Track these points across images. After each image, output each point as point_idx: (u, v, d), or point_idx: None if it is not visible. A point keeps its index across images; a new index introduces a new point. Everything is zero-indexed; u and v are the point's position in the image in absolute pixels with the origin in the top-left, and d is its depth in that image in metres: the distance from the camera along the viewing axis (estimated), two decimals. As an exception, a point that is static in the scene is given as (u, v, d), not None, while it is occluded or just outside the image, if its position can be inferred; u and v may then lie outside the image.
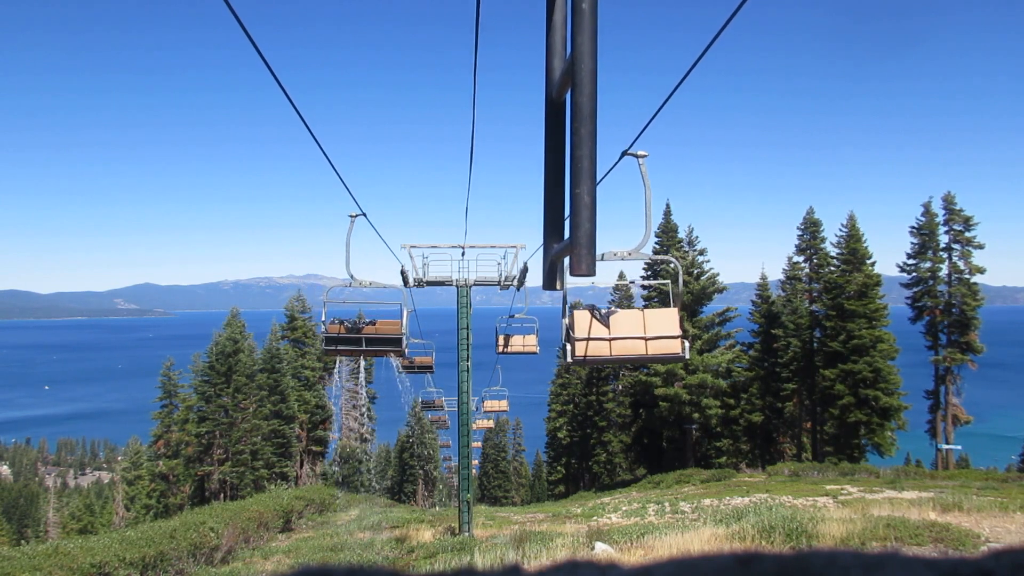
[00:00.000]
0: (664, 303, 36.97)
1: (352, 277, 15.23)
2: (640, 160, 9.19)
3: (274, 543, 18.13)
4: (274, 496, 23.11)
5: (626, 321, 10.99)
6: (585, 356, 10.76)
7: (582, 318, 10.81)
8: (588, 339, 10.69)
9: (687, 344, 11.06)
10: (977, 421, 42.49)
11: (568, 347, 10.69)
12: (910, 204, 56.00)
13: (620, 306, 38.03)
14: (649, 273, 43.42)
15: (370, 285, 15.68)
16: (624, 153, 7.75)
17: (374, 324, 15.36)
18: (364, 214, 12.73)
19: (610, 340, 10.78)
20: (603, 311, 10.99)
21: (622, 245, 10.80)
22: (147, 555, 12.32)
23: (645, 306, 39.04)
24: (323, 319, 15.37)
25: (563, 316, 10.64)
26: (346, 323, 15.26)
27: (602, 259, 10.35)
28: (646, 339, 10.87)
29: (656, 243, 42.17)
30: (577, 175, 1.46)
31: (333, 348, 15.45)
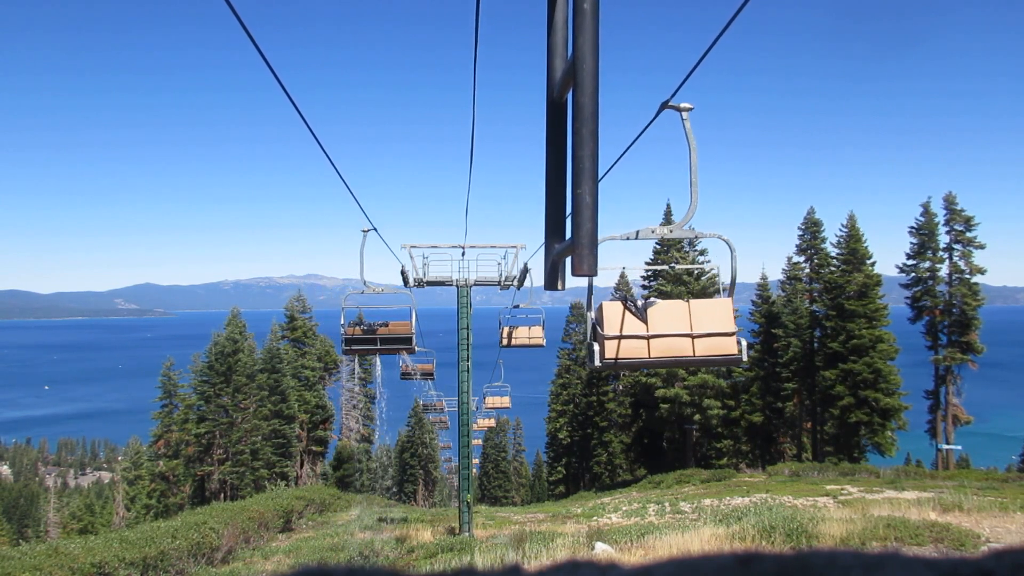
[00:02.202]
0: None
1: (366, 284, 16.45)
2: (684, 114, 7.64)
3: (274, 543, 18.14)
4: (274, 496, 23.16)
5: (668, 314, 8.88)
6: (617, 358, 8.71)
7: (613, 311, 8.77)
8: (620, 337, 8.68)
9: (744, 343, 8.92)
10: (977, 421, 42.45)
11: (596, 348, 8.64)
12: (910, 204, 55.92)
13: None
14: (651, 272, 43.37)
15: (382, 291, 16.79)
16: (664, 105, 6.34)
17: (387, 325, 16.74)
18: (375, 228, 13.29)
19: (648, 338, 8.74)
20: (639, 302, 8.95)
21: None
22: (148, 555, 12.32)
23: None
24: (342, 322, 16.47)
25: (588, 309, 8.69)
26: (362, 325, 16.58)
27: (636, 237, 8.55)
28: (693, 336, 8.79)
29: (656, 244, 42.02)
30: (579, 175, 1.47)
31: (351, 348, 16.86)
